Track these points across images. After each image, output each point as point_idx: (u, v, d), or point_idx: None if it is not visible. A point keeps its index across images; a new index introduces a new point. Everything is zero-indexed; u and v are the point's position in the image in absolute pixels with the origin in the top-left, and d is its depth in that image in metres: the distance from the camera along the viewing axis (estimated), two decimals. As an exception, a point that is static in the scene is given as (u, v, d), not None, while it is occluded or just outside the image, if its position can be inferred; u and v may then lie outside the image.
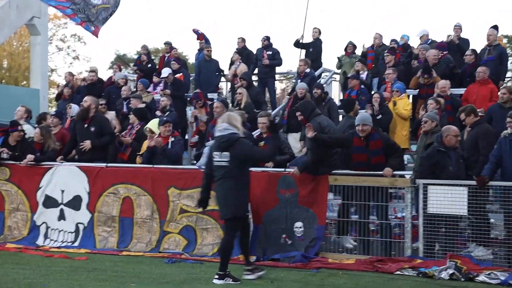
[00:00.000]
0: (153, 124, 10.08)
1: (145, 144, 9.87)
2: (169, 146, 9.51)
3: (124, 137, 10.44)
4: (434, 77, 11.14)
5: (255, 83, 13.71)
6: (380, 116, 10.45)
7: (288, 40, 35.35)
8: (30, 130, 10.60)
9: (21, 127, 10.12)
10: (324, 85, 13.79)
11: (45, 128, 10.17)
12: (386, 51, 12.74)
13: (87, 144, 9.66)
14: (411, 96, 11.71)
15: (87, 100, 10.04)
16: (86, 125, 9.81)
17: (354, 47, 14.24)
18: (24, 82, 28.38)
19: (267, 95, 14.45)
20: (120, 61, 26.69)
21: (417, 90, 11.51)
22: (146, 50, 15.52)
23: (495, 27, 12.00)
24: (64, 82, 15.37)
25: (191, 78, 15.26)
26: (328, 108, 11.00)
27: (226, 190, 7.01)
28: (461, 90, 11.14)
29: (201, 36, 15.29)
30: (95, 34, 10.79)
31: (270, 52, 14.07)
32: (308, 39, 14.67)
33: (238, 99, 11.65)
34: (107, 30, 54.18)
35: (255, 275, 7.18)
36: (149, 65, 15.14)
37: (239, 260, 7.69)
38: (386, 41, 13.80)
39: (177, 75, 13.71)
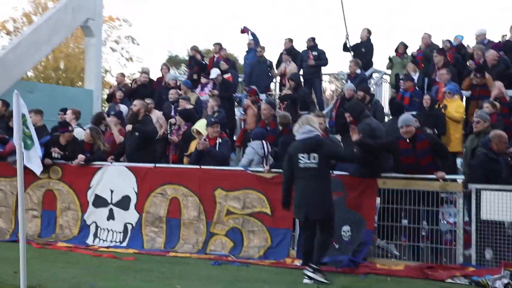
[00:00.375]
0: (200, 125, 10.10)
1: (193, 145, 9.90)
2: (217, 147, 9.50)
3: (171, 137, 10.56)
4: (487, 78, 10.78)
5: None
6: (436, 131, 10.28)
7: (335, 40, 35.06)
8: (81, 133, 10.58)
9: (72, 127, 10.29)
10: (374, 86, 13.57)
11: (95, 129, 10.29)
12: (435, 52, 12.41)
13: (128, 127, 9.98)
14: (464, 98, 11.37)
15: (137, 104, 10.17)
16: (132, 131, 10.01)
17: (405, 47, 13.94)
18: (80, 83, 28.99)
19: (313, 95, 14.34)
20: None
21: (469, 91, 11.17)
22: (196, 50, 15.58)
23: None
24: (115, 83, 15.54)
25: (240, 79, 15.27)
26: (374, 111, 10.74)
27: (316, 191, 7.06)
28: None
29: (246, 31, 15.34)
30: None
31: (315, 53, 14.00)
32: (355, 39, 14.49)
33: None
34: (159, 31, 55.20)
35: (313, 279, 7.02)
36: (203, 62, 15.25)
37: (286, 264, 7.62)
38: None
39: (226, 76, 13.74)
